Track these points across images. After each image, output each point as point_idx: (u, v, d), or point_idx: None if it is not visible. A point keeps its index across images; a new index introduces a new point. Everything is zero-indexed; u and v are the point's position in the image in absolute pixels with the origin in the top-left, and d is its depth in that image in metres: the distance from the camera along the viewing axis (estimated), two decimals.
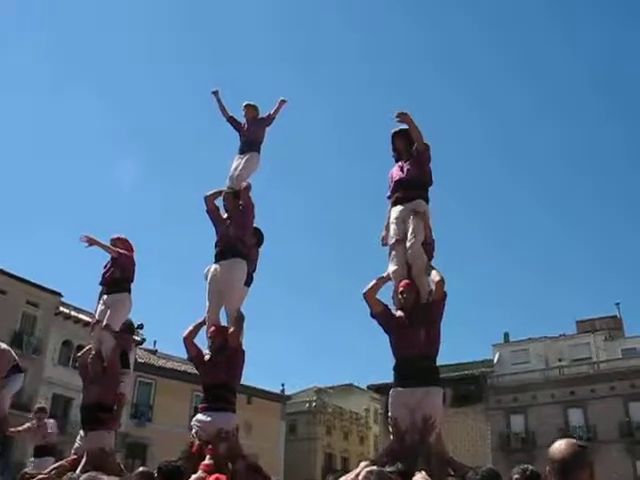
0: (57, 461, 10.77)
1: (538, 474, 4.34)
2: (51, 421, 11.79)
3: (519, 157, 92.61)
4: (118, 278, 8.91)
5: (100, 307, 8.94)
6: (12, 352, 9.66)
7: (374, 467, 4.59)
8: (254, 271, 8.55)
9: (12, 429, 10.97)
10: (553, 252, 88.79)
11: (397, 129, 7.17)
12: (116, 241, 9.12)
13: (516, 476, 4.26)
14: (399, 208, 6.87)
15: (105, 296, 8.95)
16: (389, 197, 7.15)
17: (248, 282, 8.24)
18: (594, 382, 38.24)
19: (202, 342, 7.75)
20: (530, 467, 4.31)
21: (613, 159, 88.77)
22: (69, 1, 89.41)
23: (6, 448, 11.20)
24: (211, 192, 8.40)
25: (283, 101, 9.12)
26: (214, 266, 8.01)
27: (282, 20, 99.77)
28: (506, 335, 45.17)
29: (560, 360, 41.56)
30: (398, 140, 7.19)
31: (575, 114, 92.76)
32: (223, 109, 9.18)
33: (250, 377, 43.34)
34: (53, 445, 11.20)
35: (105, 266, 9.15)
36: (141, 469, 5.06)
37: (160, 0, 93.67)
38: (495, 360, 43.33)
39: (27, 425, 11.33)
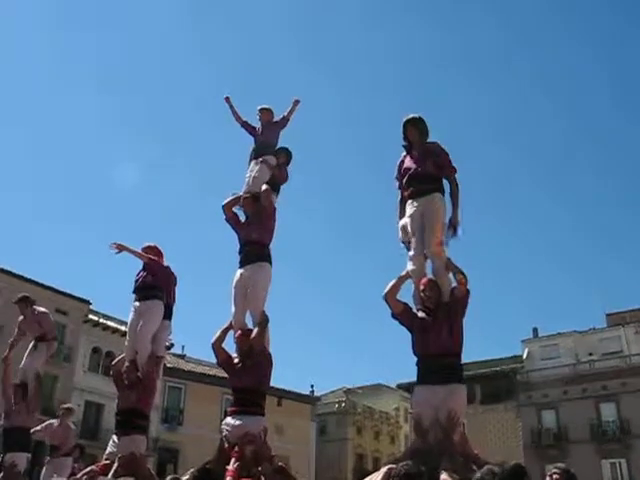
0: (76, 461, 10.87)
1: (576, 476, 4.26)
2: (73, 427, 11.89)
3: (538, 155, 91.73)
4: (150, 284, 8.86)
5: (132, 315, 8.88)
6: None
7: (393, 465, 4.55)
8: (285, 181, 8.72)
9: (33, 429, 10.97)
10: (581, 246, 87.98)
11: (409, 117, 6.90)
12: (146, 249, 9.08)
13: (556, 476, 4.16)
14: (414, 203, 6.67)
15: (137, 303, 8.89)
16: (400, 187, 6.94)
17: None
18: (626, 376, 37.80)
19: (230, 346, 7.78)
20: (571, 469, 4.23)
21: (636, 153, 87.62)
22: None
23: (39, 452, 11.28)
24: (228, 200, 8.38)
25: (297, 101, 9.04)
26: (239, 271, 8.04)
27: (299, 20, 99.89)
28: (535, 330, 44.78)
29: (590, 354, 41.08)
30: (410, 129, 6.90)
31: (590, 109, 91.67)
32: (236, 114, 9.15)
33: (279, 379, 43.43)
34: (72, 447, 11.24)
35: (137, 274, 9.15)
36: (170, 477, 5.08)
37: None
38: (525, 356, 43.00)
39: (47, 423, 11.36)
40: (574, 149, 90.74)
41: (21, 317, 10.94)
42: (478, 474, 3.95)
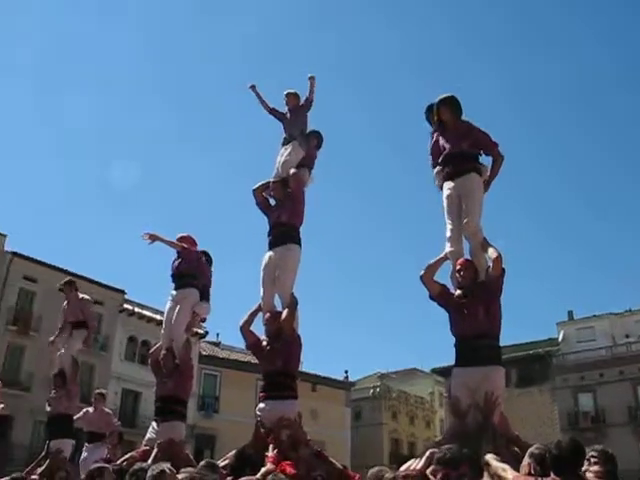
0: (114, 447, 11.01)
1: (615, 457, 4.21)
2: (109, 411, 12.09)
3: (559, 146, 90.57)
4: (184, 272, 8.96)
5: (169, 304, 9.00)
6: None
7: (435, 449, 4.56)
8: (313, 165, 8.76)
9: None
10: (613, 229, 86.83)
11: (442, 97, 6.78)
12: (180, 239, 9.18)
13: (594, 459, 4.12)
14: (451, 184, 6.62)
15: (173, 292, 9.02)
16: (434, 166, 6.92)
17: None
18: None
19: (259, 329, 7.78)
20: (609, 450, 4.17)
21: None
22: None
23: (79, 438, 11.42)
24: (258, 185, 8.39)
25: (312, 78, 8.86)
26: (268, 253, 8.05)
27: (315, 18, 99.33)
28: (570, 313, 44.47)
29: (627, 336, 40.67)
30: (443, 110, 6.77)
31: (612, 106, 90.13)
32: (263, 102, 9.08)
33: (314, 365, 43.64)
34: (110, 432, 11.39)
35: (173, 262, 9.25)
36: (205, 460, 5.15)
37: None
38: (560, 339, 42.71)
39: (83, 410, 11.55)
40: (595, 138, 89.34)
41: (65, 303, 11.13)
42: (534, 450, 3.93)
